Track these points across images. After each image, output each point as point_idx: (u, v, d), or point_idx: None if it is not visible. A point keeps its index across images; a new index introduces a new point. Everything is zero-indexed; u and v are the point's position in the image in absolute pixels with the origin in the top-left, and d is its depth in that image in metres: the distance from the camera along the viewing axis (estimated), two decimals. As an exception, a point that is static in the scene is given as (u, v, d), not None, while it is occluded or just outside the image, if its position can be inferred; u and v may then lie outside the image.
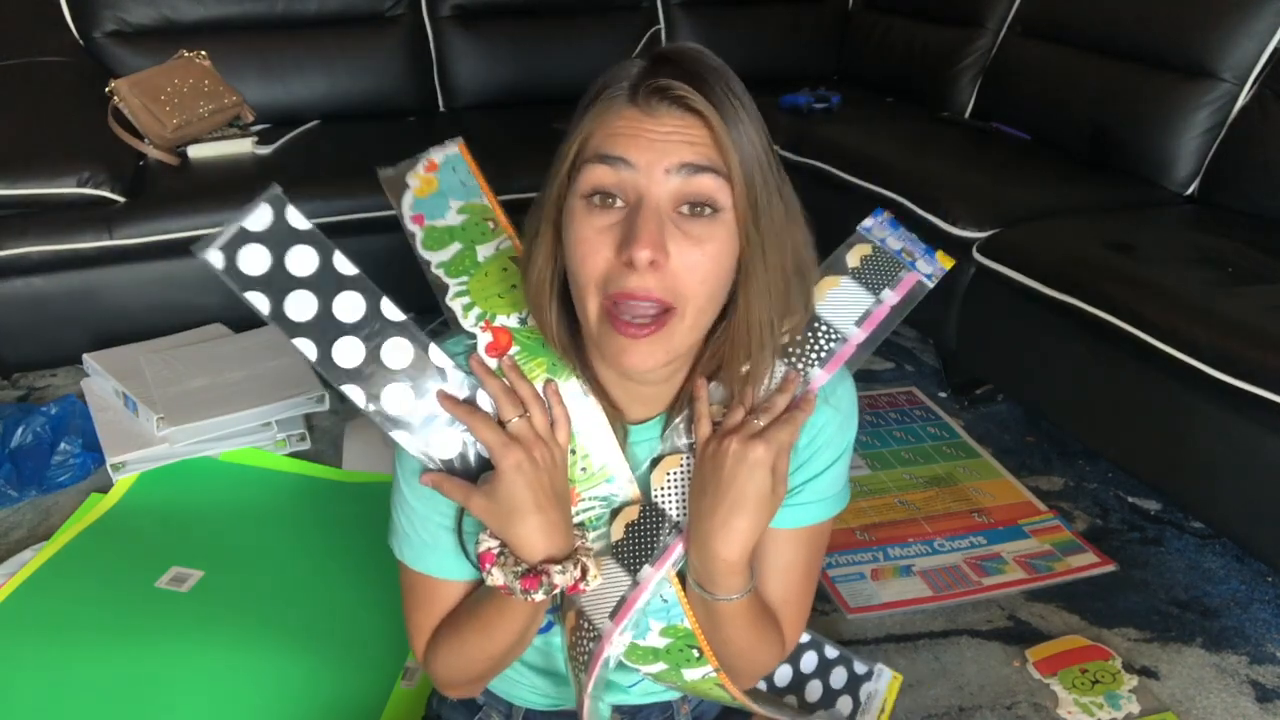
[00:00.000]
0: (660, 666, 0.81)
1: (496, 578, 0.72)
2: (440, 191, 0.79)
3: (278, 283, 0.69)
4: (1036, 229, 1.89)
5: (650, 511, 0.76)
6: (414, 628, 0.83)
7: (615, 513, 0.77)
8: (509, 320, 0.76)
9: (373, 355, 0.71)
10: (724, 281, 0.67)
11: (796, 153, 2.47)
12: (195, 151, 2.29)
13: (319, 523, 1.66)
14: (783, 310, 0.71)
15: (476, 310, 0.75)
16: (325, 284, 0.70)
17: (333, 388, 0.77)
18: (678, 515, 0.76)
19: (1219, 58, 2.05)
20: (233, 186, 2.16)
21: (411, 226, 0.78)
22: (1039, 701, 1.33)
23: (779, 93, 2.73)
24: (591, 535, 0.77)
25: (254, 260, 0.68)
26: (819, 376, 0.77)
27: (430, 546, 0.79)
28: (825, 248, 0.78)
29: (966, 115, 2.64)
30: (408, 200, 0.79)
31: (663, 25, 2.99)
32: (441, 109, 2.81)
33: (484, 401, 0.74)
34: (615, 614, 0.76)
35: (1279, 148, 1.94)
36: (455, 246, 0.78)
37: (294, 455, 1.86)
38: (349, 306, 0.70)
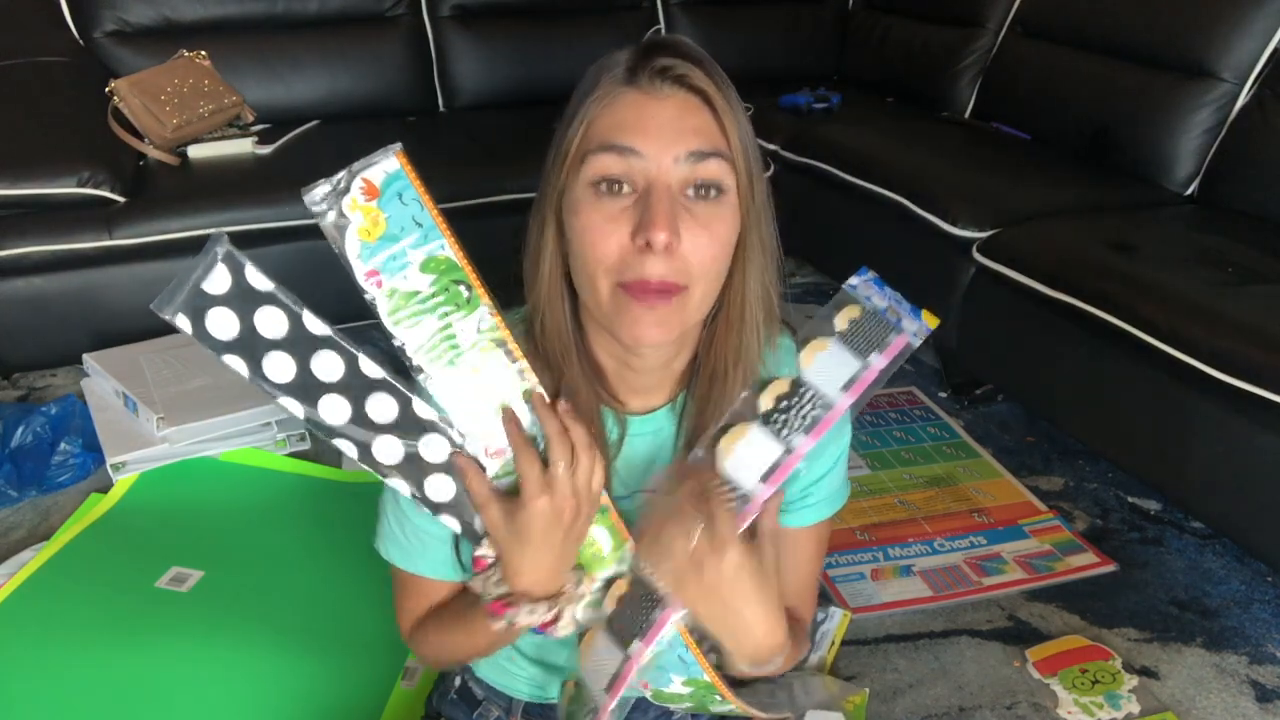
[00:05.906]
0: (687, 705, 0.83)
1: (476, 585, 0.73)
2: (389, 234, 0.65)
3: (251, 346, 0.66)
4: (1036, 229, 1.89)
5: (639, 585, 0.75)
6: (402, 612, 0.85)
7: (609, 584, 0.76)
8: None
9: (358, 412, 0.69)
10: (729, 259, 0.70)
11: (796, 153, 2.47)
12: (195, 151, 2.29)
13: (319, 523, 1.66)
14: (774, 280, 0.73)
15: None
16: (300, 345, 0.67)
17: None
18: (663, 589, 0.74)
19: (1219, 58, 2.05)
20: (233, 186, 2.16)
21: (368, 287, 0.65)
22: (1039, 701, 1.33)
23: (779, 93, 2.73)
24: (582, 605, 0.75)
25: (222, 324, 0.65)
26: (804, 442, 0.75)
27: (421, 554, 0.79)
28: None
29: (966, 115, 2.64)
30: (352, 244, 0.64)
31: (663, 25, 2.99)
32: (441, 109, 2.81)
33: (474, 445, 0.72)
34: (610, 688, 0.75)
35: (1279, 148, 1.94)
36: (429, 324, 0.67)
37: (294, 455, 1.85)
38: (328, 366, 0.68)
